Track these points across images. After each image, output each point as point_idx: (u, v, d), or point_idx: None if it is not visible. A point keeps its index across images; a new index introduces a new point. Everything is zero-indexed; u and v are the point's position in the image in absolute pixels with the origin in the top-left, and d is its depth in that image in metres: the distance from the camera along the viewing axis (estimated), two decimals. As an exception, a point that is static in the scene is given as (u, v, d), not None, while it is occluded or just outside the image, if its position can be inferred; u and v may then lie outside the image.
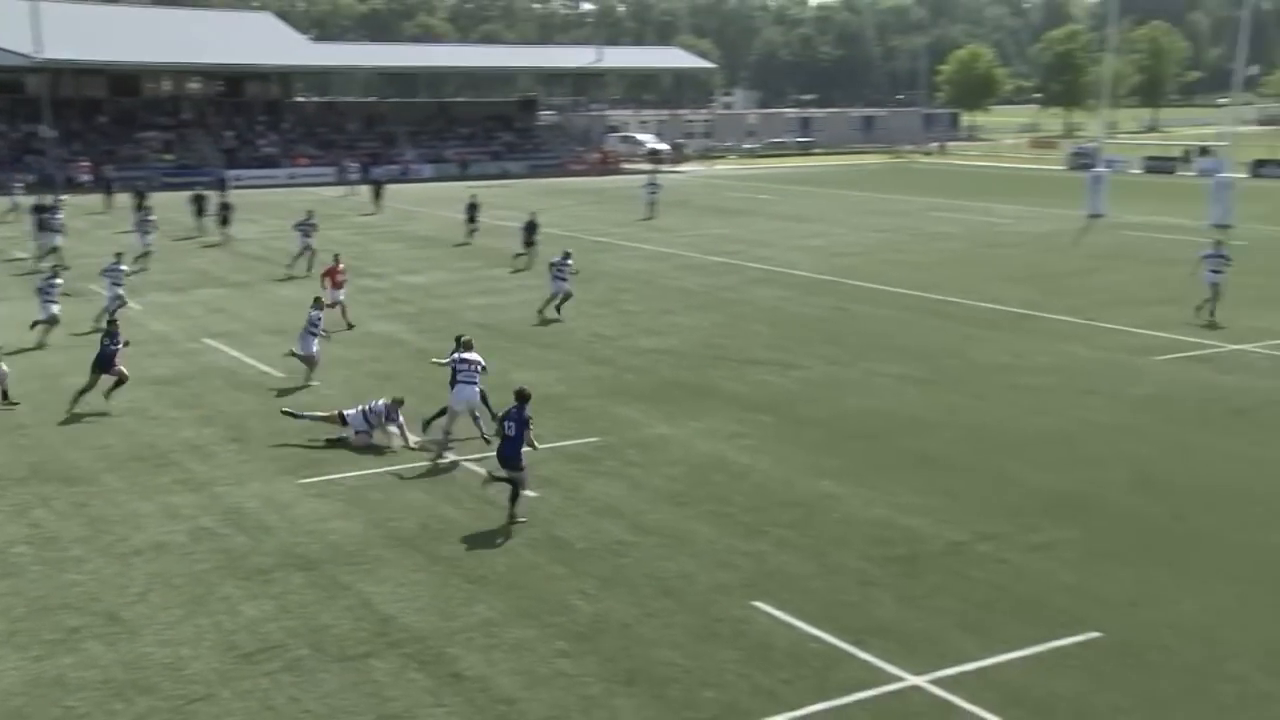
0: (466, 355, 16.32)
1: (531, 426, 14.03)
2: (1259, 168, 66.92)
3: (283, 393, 19.78)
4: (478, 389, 16.30)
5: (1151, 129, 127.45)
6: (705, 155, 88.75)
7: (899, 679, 10.22)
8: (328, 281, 25.86)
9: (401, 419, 16.83)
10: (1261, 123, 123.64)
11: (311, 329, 20.28)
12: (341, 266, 26.23)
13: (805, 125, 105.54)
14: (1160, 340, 24.00)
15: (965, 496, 14.85)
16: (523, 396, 14.15)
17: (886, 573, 12.52)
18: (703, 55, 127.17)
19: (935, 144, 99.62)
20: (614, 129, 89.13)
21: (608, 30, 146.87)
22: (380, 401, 16.98)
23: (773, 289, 30.48)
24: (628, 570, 12.68)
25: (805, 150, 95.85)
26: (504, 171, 71.87)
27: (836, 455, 16.53)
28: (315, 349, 20.33)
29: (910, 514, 14.27)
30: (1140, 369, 21.59)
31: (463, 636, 11.13)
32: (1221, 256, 25.30)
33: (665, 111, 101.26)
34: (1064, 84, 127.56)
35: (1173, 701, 9.93)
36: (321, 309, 20.80)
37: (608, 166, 75.81)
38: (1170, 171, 71.00)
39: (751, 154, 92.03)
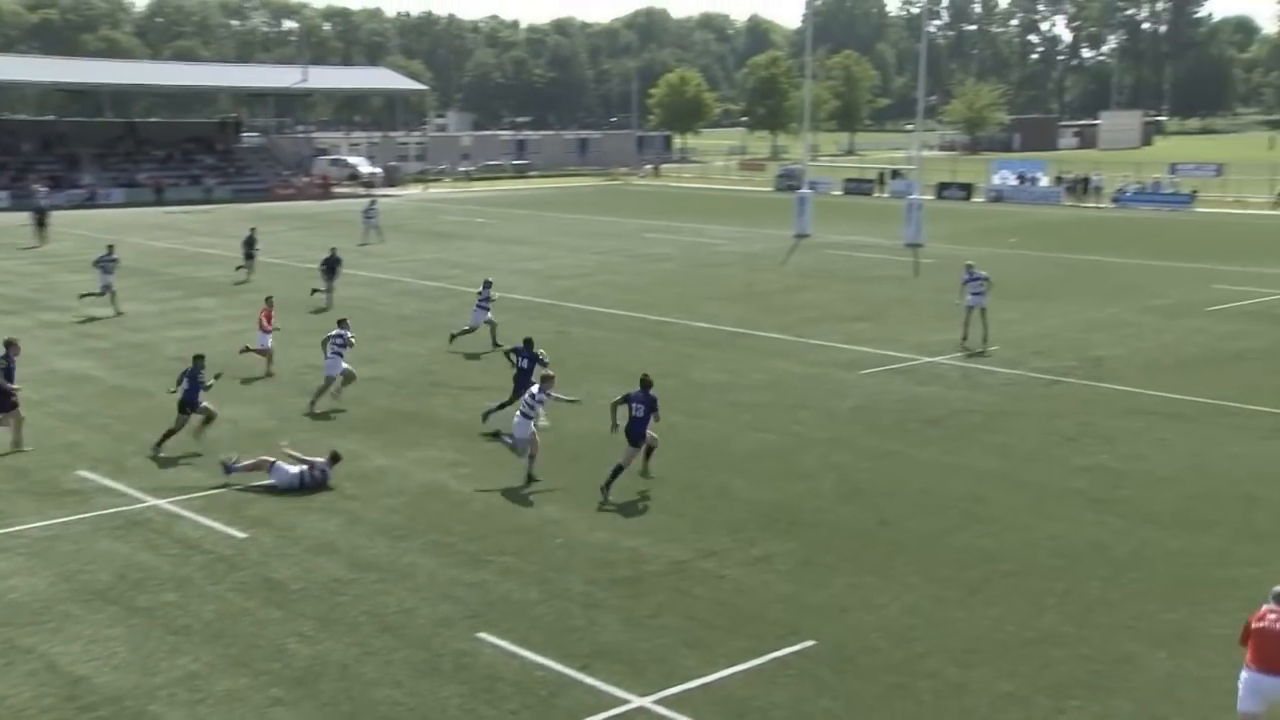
0: (533, 390, 16.84)
1: (656, 417, 16.20)
2: (943, 190, 72.64)
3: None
4: (530, 424, 16.48)
5: (849, 152, 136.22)
6: (420, 178, 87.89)
7: (625, 701, 10.36)
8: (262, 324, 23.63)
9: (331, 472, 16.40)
10: (943, 148, 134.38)
11: (337, 350, 20.56)
12: (273, 311, 24.11)
13: (521, 148, 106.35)
14: (863, 355, 25.56)
15: (687, 514, 15.27)
16: (647, 383, 16.34)
17: (611, 595, 12.70)
18: (414, 76, 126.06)
19: (649, 166, 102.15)
20: (323, 152, 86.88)
21: (313, 49, 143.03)
22: (322, 463, 16.40)
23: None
24: (346, 609, 12.32)
25: (521, 173, 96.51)
26: (207, 196, 68.66)
27: (559, 479, 16.64)
28: (345, 367, 20.66)
29: (633, 535, 14.55)
30: (846, 383, 22.86)
31: (165, 693, 10.49)
32: (978, 279, 26.30)
33: (377, 134, 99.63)
34: (768, 108, 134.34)
35: (879, 701, 10.52)
36: (348, 328, 21.03)
37: (323, 190, 73.84)
38: (868, 193, 75.95)
39: (467, 177, 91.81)
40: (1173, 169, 70.38)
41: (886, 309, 31.18)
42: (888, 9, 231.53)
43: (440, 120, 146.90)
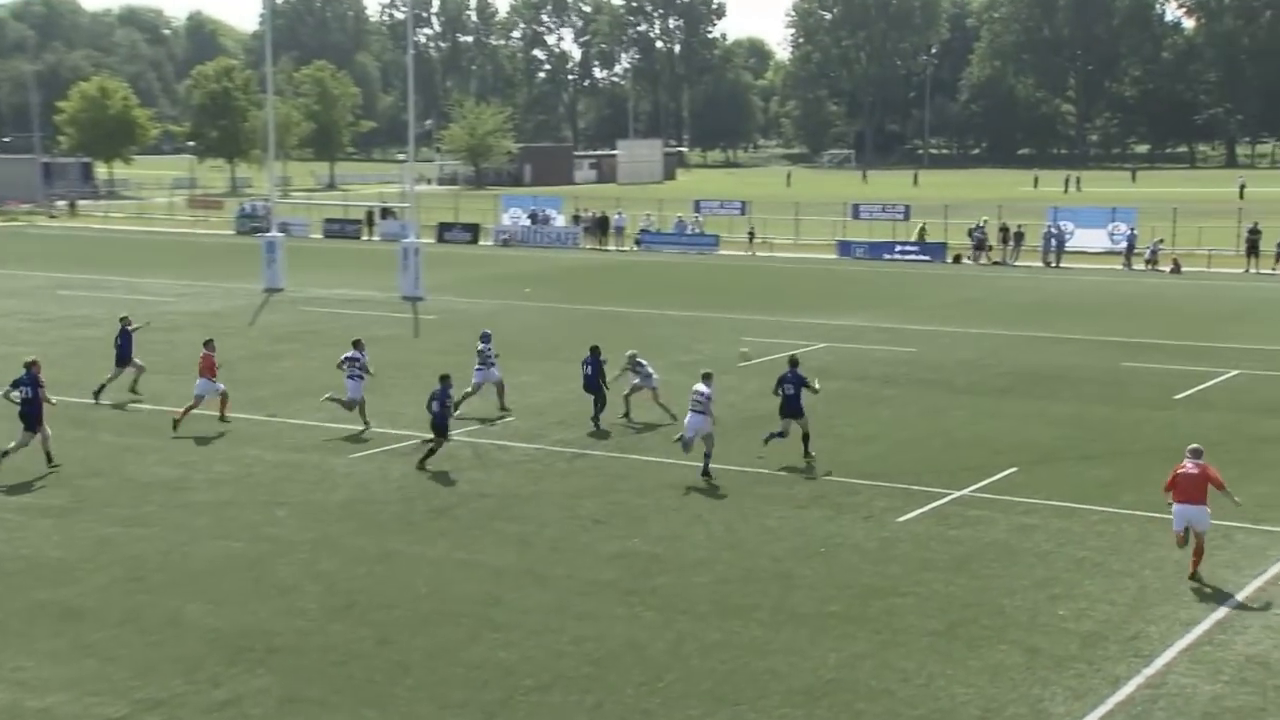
0: (699, 387, 22.71)
1: (809, 382, 23.92)
2: (445, 231, 74.63)
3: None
4: (708, 418, 22.45)
5: (330, 186, 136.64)
6: None
7: None
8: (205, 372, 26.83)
9: None
10: (444, 181, 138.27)
11: (357, 374, 26.06)
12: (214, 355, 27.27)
13: None
14: (355, 434, 25.67)
15: (125, 656, 14.60)
16: (795, 362, 24.04)
17: (21, 775, 11.79)
18: None
19: (62, 202, 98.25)
20: None
21: None
22: None
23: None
24: None
25: None
26: None
27: (-57, 624, 15.31)
28: (359, 393, 26.04)
29: (48, 691, 13.68)
30: (335, 471, 22.84)
31: None
32: (641, 367, 27.13)
33: None
34: (222, 130, 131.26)
35: None
36: (363, 350, 26.57)
37: None
38: (355, 236, 76.43)
39: None
40: (697, 206, 76.63)
41: (383, 377, 31.39)
42: (367, 12, 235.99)
43: None
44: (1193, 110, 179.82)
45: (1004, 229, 63.85)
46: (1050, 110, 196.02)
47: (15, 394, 22.56)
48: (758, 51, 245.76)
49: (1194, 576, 17.11)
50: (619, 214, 72.78)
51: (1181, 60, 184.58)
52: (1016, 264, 61.54)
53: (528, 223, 75.90)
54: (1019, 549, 18.66)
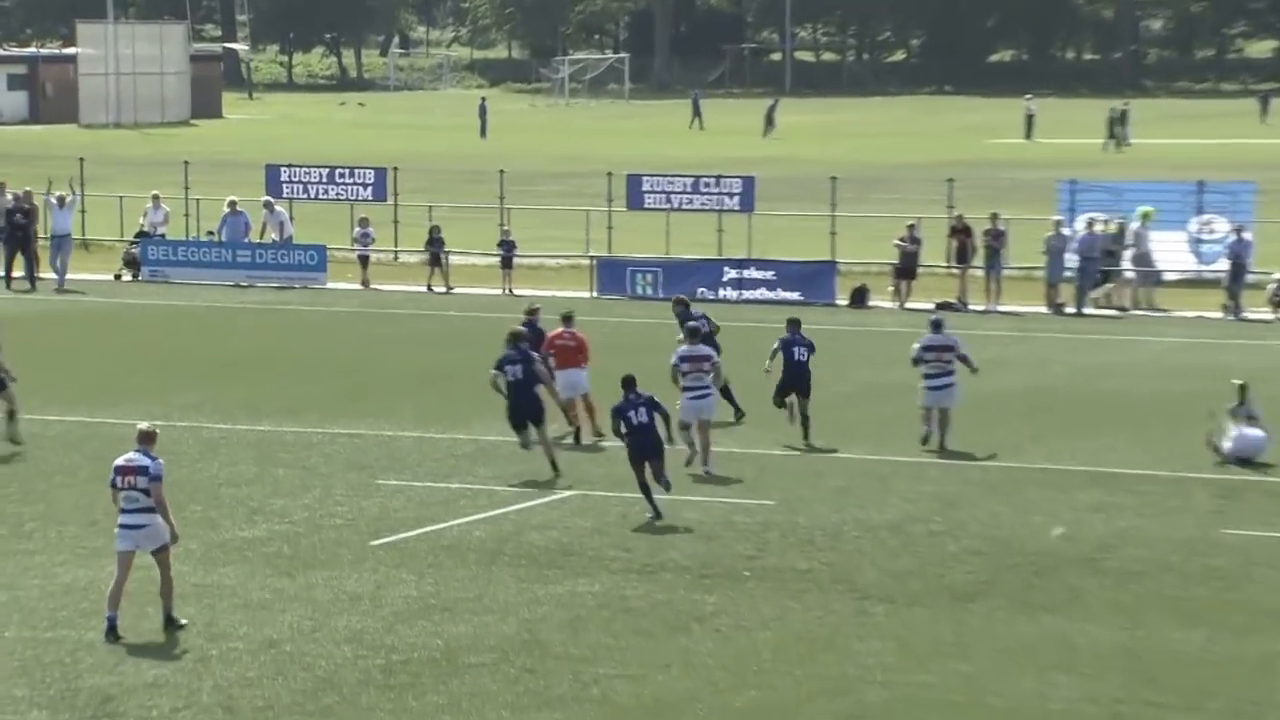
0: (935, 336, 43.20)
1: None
2: None
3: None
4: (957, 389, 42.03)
5: None
6: None
7: None
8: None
9: None
10: None
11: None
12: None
13: None
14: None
15: None
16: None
17: None
18: None
19: None
20: None
21: None
22: None
23: None
24: None
25: None
26: None
27: None
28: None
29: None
30: None
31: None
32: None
33: None
34: None
35: None
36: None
37: None
38: None
39: None
40: (278, 181, 74.96)
41: None
42: None
43: None
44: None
45: (959, 230, 63.46)
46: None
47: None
48: None
49: None
50: (68, 197, 70.49)
51: None
52: (997, 307, 61.96)
53: None
54: None
